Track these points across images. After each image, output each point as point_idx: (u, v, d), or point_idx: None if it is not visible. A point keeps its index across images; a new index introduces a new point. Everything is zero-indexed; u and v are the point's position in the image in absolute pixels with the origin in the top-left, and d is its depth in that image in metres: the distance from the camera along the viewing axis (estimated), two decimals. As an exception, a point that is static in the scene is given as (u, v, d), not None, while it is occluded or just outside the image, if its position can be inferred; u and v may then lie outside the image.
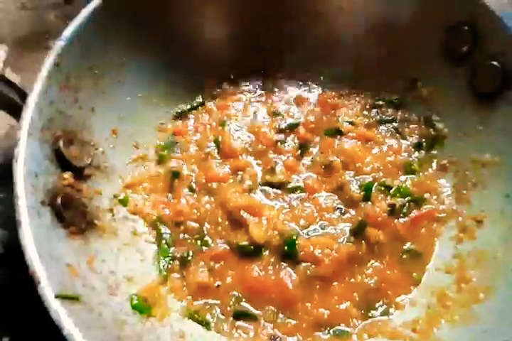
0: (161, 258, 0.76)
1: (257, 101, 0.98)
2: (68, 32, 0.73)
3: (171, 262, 0.77)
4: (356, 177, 0.86)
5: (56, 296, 0.52)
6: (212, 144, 0.90)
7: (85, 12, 0.75)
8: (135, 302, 0.66)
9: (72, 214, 0.66)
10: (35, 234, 0.56)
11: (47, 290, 0.52)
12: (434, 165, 0.88)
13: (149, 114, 0.90)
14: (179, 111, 0.95)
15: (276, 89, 1.00)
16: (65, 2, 1.19)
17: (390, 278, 0.77)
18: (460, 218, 0.80)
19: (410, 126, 0.93)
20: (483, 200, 0.78)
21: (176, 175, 0.86)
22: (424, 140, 0.91)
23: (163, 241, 0.78)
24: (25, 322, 0.66)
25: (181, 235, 0.80)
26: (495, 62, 0.78)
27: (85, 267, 0.62)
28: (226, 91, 0.99)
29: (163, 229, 0.80)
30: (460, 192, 0.82)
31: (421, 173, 0.87)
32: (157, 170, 0.87)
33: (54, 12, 1.20)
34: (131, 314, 0.63)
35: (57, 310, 0.51)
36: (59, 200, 0.64)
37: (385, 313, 0.74)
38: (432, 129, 0.90)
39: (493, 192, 0.77)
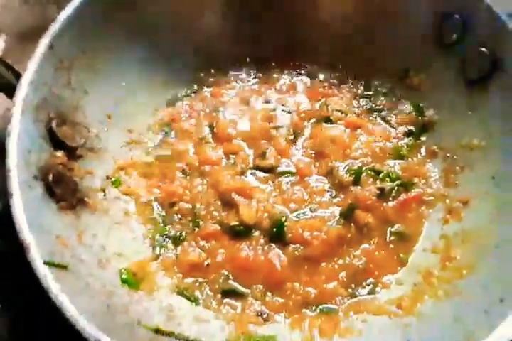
0: (156, 235, 0.78)
1: (250, 90, 0.99)
2: (63, 15, 0.74)
3: (164, 240, 0.78)
4: (346, 162, 0.87)
5: (44, 263, 0.53)
6: (206, 129, 0.91)
7: (81, -4, 0.76)
8: (124, 276, 0.67)
9: (63, 191, 0.67)
10: (25, 206, 0.58)
11: (35, 257, 0.53)
12: (423, 150, 0.89)
13: (144, 100, 0.91)
14: (173, 97, 0.96)
15: (268, 78, 1.01)
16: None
17: (377, 259, 0.78)
18: (447, 201, 0.81)
19: (400, 114, 0.94)
20: (470, 183, 0.79)
21: (168, 158, 0.87)
22: (413, 127, 0.91)
23: (157, 222, 0.80)
24: (16, 290, 0.67)
25: (174, 215, 0.81)
26: (483, 49, 0.79)
27: (75, 240, 0.64)
28: (220, 80, 1.00)
29: (156, 210, 0.81)
30: (448, 176, 0.83)
31: (410, 158, 0.88)
32: (150, 153, 0.87)
33: (56, 7, 1.21)
34: (120, 286, 0.65)
35: (46, 274, 0.52)
36: (50, 176, 0.66)
37: (372, 292, 0.75)
38: (421, 116, 0.91)
39: (479, 175, 0.78)
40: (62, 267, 0.56)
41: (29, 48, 1.09)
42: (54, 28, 0.73)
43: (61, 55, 0.74)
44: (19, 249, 0.54)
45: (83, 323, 0.50)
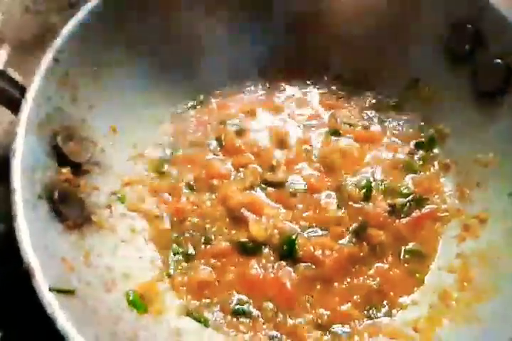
0: (165, 253, 0.76)
1: (258, 101, 0.97)
2: (68, 28, 0.73)
3: (174, 258, 0.76)
4: (356, 177, 0.85)
5: (50, 289, 0.51)
6: (214, 142, 0.89)
7: (86, 9, 0.75)
8: (131, 298, 0.64)
9: (69, 209, 0.65)
10: (30, 228, 0.56)
11: (41, 283, 0.51)
12: (436, 164, 0.87)
13: (149, 113, 0.89)
14: (179, 110, 0.94)
15: (276, 89, 0.99)
16: (69, 6, 1.19)
17: (392, 278, 0.75)
18: (463, 217, 0.79)
19: (411, 126, 0.92)
20: (486, 199, 0.77)
21: (175, 173, 0.85)
22: (424, 140, 0.89)
23: (166, 239, 0.78)
24: (19, 317, 0.64)
25: (184, 232, 0.79)
26: (498, 61, 0.77)
27: (81, 262, 0.62)
28: (227, 91, 0.98)
29: (165, 226, 0.79)
30: (463, 192, 0.81)
31: (422, 173, 0.86)
32: (156, 167, 0.85)
33: (58, 16, 1.19)
34: (127, 310, 0.62)
35: (51, 302, 0.50)
36: (56, 195, 0.64)
37: (387, 314, 0.72)
38: (432, 129, 0.89)
39: (496, 191, 0.76)
40: (69, 292, 0.54)
41: (30, 57, 1.09)
42: (58, 41, 0.71)
43: (66, 69, 0.73)
44: (23, 276, 0.52)
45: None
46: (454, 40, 0.85)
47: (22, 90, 0.73)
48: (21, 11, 1.19)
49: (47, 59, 0.70)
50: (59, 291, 0.52)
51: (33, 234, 0.55)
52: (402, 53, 0.92)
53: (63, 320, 0.49)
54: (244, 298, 0.73)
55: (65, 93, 0.73)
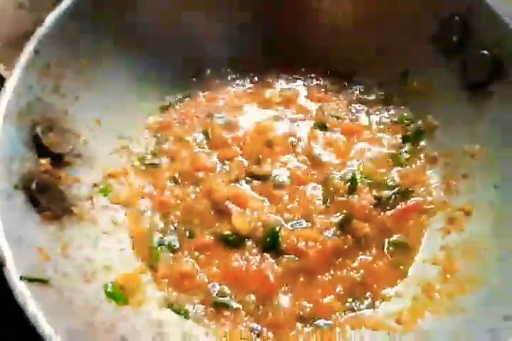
0: (148, 246, 0.75)
1: (246, 95, 0.97)
2: (50, 19, 0.72)
3: (156, 251, 0.75)
4: (342, 170, 0.84)
5: (21, 278, 0.50)
6: (201, 135, 0.88)
7: (68, 0, 0.74)
8: (110, 290, 0.64)
9: (48, 200, 0.64)
10: (4, 217, 0.55)
11: (11, 271, 0.50)
12: (422, 157, 0.86)
13: (136, 105, 0.89)
14: (166, 102, 0.93)
15: (264, 83, 0.98)
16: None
17: (376, 271, 0.75)
18: (448, 209, 0.78)
19: (398, 119, 0.91)
20: (472, 191, 0.77)
21: (160, 166, 0.85)
22: (412, 133, 0.89)
23: (150, 231, 0.77)
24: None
25: (168, 225, 0.79)
26: (485, 52, 0.77)
27: (58, 253, 0.61)
28: (215, 84, 0.98)
29: (148, 219, 0.79)
30: (449, 184, 0.81)
31: (408, 165, 0.85)
32: (141, 160, 0.85)
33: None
34: (106, 301, 0.62)
35: (22, 291, 0.49)
36: (34, 185, 0.63)
37: (371, 306, 0.72)
38: (421, 121, 0.88)
39: (482, 183, 0.75)
40: (43, 282, 0.54)
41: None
42: (40, 32, 0.71)
43: (48, 60, 0.72)
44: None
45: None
46: (442, 33, 0.84)
47: (2, 81, 0.72)
48: (14, 7, 1.18)
49: (28, 50, 0.69)
50: (31, 280, 0.51)
51: (7, 223, 0.55)
52: (390, 46, 0.91)
53: (34, 308, 0.48)
54: (226, 290, 0.72)
55: (47, 84, 0.72)
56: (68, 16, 0.74)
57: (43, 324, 0.47)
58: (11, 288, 0.50)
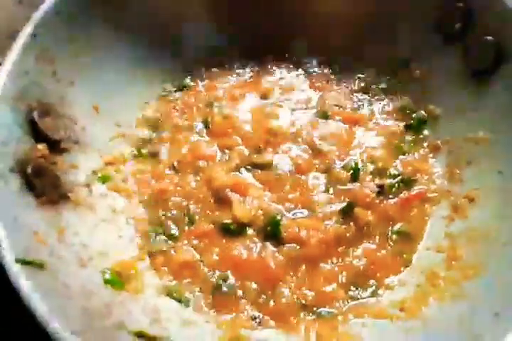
0: (147, 233, 0.74)
1: (246, 84, 0.95)
2: (47, 4, 0.71)
3: (155, 239, 0.74)
4: (344, 159, 0.83)
5: (17, 260, 0.48)
6: (200, 124, 0.87)
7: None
8: (107, 276, 0.62)
9: (43, 184, 0.63)
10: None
11: (7, 253, 0.49)
12: (425, 145, 0.85)
13: (134, 93, 0.87)
14: (166, 91, 0.92)
15: (264, 72, 0.97)
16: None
17: (379, 259, 0.74)
18: (452, 197, 0.77)
19: (400, 108, 0.90)
20: (476, 178, 0.75)
21: (158, 155, 0.83)
22: (414, 122, 0.87)
23: (150, 219, 0.76)
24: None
25: (167, 213, 0.77)
26: (489, 38, 0.76)
27: (55, 237, 0.60)
28: (215, 73, 0.97)
29: (147, 207, 0.78)
30: (453, 172, 0.79)
31: (411, 154, 0.84)
32: (139, 148, 0.84)
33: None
34: (102, 287, 0.60)
35: (17, 272, 0.48)
36: (29, 169, 0.62)
37: (374, 294, 0.70)
38: (423, 110, 0.87)
39: (485, 170, 0.74)
40: (38, 265, 0.52)
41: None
42: (37, 16, 0.70)
43: (45, 45, 0.71)
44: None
45: (55, 325, 0.45)
46: (444, 19, 0.83)
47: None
48: (14, 2, 1.17)
49: (25, 33, 0.68)
50: (27, 263, 0.50)
51: (2, 206, 0.53)
52: (391, 34, 0.90)
53: (29, 289, 0.47)
54: (228, 278, 0.71)
55: (43, 68, 0.71)
56: (66, 1, 0.72)
57: (39, 304, 0.46)
58: (6, 269, 0.48)
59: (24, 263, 0.50)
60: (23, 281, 0.48)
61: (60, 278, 0.54)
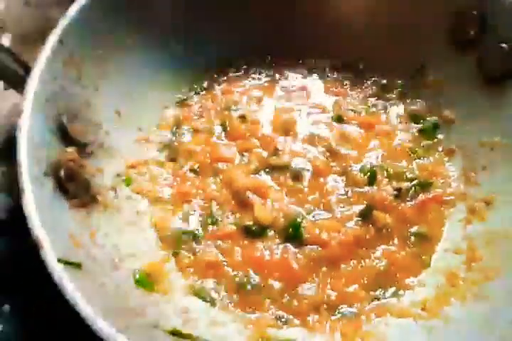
0: (171, 235, 0.75)
1: (262, 88, 0.97)
2: (73, 10, 0.73)
3: (180, 240, 0.76)
4: (361, 162, 0.84)
5: (58, 260, 0.50)
6: (218, 128, 0.89)
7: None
8: (137, 277, 0.64)
9: (75, 187, 0.64)
10: (37, 202, 0.55)
11: (50, 254, 0.50)
12: (440, 149, 0.87)
13: (154, 98, 0.89)
14: (184, 95, 0.94)
15: (281, 77, 0.99)
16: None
17: (399, 261, 0.75)
18: (469, 200, 0.78)
19: (415, 113, 0.92)
20: (493, 182, 0.77)
21: (179, 157, 0.85)
22: (428, 126, 0.89)
23: (173, 221, 0.78)
24: (27, 289, 0.64)
25: (190, 214, 0.79)
26: (504, 45, 0.77)
27: (88, 239, 0.61)
28: (231, 78, 0.98)
29: (171, 209, 0.79)
30: (468, 176, 0.81)
31: (427, 158, 0.86)
32: (161, 151, 0.85)
33: (58, 9, 1.18)
34: (134, 288, 0.62)
35: (60, 272, 0.49)
36: (62, 173, 0.63)
37: (395, 295, 0.72)
38: (437, 116, 0.89)
39: (502, 174, 0.76)
40: (76, 265, 0.54)
41: (31, 51, 1.08)
42: (63, 23, 0.71)
43: (71, 50, 0.72)
44: (31, 248, 0.52)
45: (101, 323, 0.47)
46: (459, 27, 0.85)
47: (27, 69, 0.72)
48: (21, 4, 1.18)
49: (52, 40, 0.70)
50: (67, 263, 0.51)
51: (40, 208, 0.55)
52: (407, 39, 0.91)
53: (72, 290, 0.48)
54: (251, 278, 0.72)
55: (70, 74, 0.72)
56: (90, 6, 0.74)
57: (83, 304, 0.47)
58: (48, 270, 0.49)
59: (64, 263, 0.51)
60: (67, 281, 0.49)
61: (97, 279, 0.55)
